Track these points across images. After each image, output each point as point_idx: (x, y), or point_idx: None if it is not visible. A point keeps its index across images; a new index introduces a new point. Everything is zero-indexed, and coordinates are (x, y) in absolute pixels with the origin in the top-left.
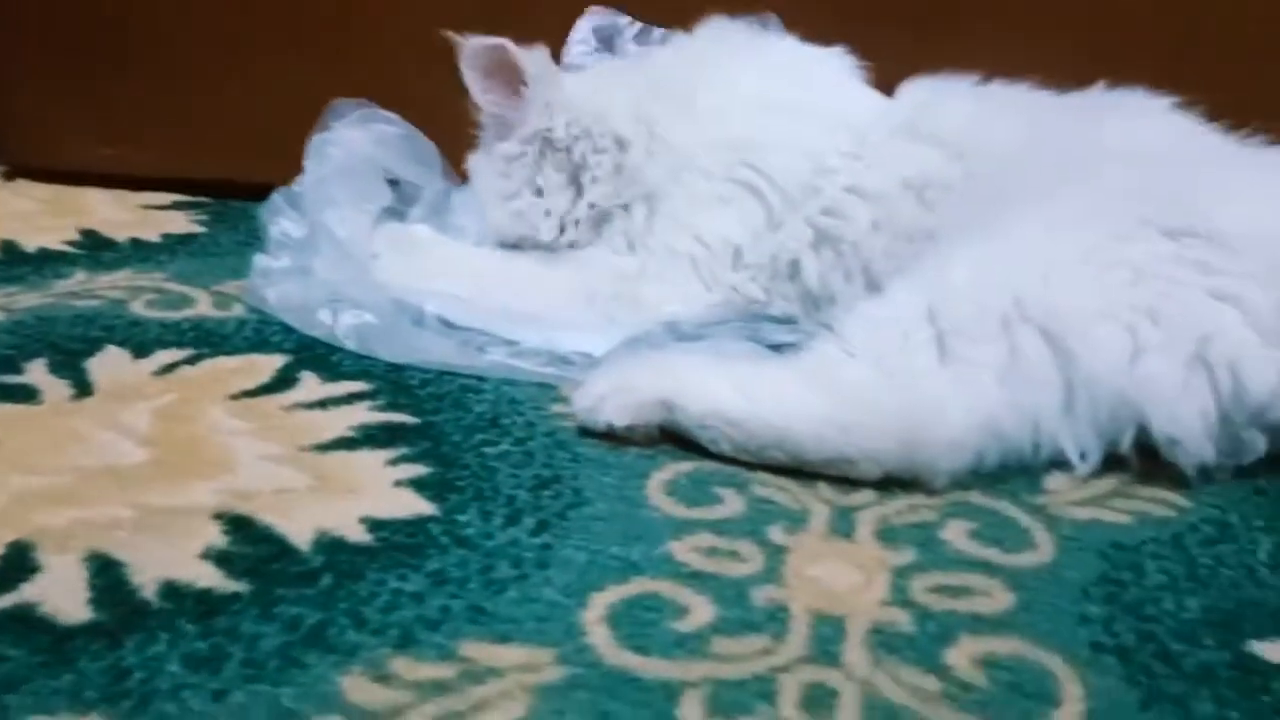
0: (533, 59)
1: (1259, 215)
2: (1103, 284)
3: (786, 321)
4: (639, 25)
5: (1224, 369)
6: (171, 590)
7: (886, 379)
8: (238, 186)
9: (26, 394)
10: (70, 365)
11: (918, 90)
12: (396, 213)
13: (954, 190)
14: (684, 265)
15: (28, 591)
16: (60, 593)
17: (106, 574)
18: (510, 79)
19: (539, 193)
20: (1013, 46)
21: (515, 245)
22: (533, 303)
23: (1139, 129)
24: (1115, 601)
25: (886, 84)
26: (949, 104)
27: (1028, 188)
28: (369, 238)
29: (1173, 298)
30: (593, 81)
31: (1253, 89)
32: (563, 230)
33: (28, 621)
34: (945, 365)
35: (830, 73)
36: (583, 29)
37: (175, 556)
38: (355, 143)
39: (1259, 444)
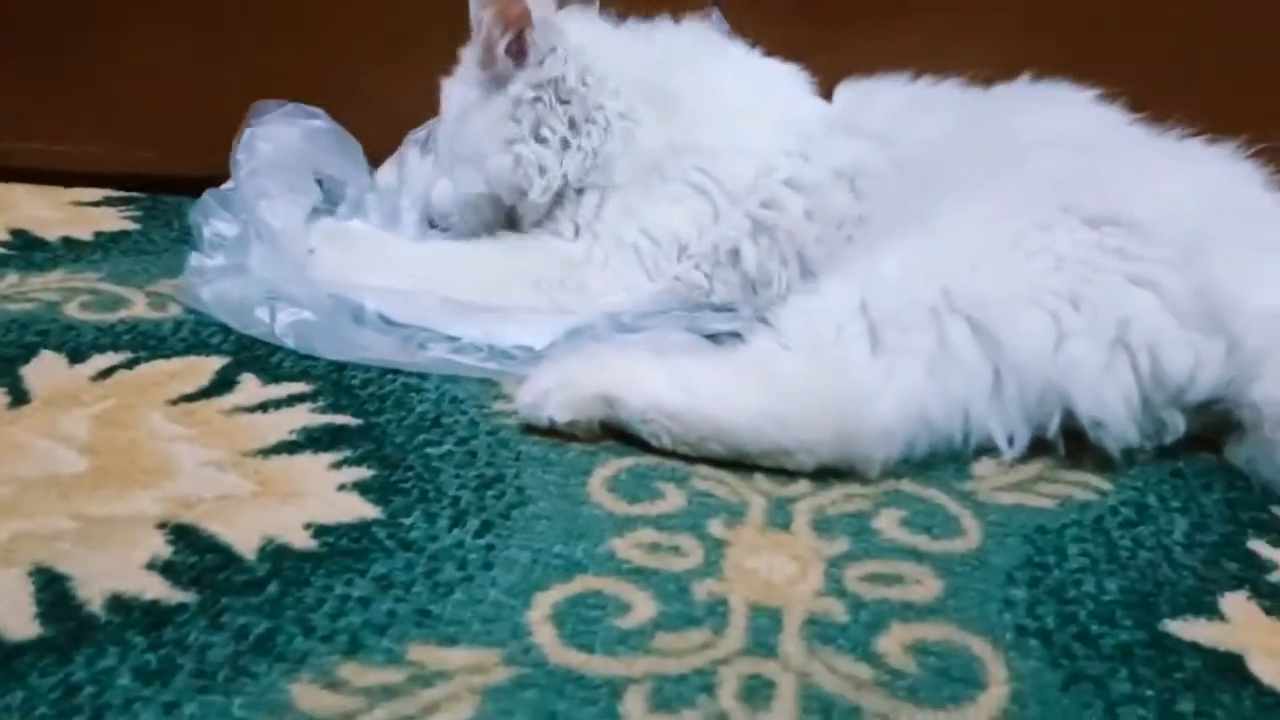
0: (539, 2)
1: (1173, 204)
2: (1026, 272)
3: (725, 309)
4: None
5: (1144, 352)
6: (119, 603)
7: (821, 371)
8: (169, 180)
9: None
10: (6, 372)
11: (851, 89)
12: (324, 211)
13: (883, 178)
14: (629, 255)
15: None
16: (7, 608)
17: (52, 588)
18: (513, 21)
19: (542, 140)
20: (952, 41)
21: (493, 203)
22: (478, 289)
23: (1061, 119)
24: (1038, 585)
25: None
26: (878, 98)
27: (953, 176)
28: (304, 231)
29: (1094, 284)
30: (595, 35)
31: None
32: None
33: None
34: (877, 356)
35: (789, 86)
36: None
37: (121, 568)
38: (285, 137)
39: (1179, 424)
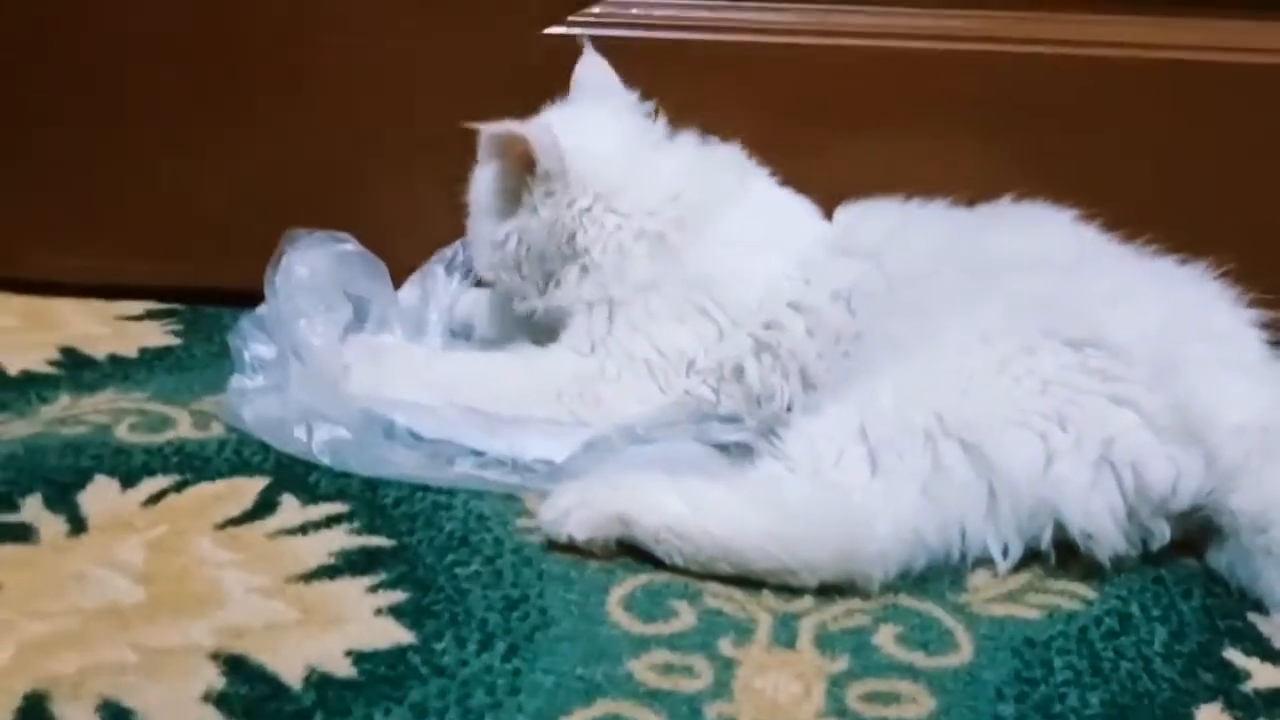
0: (548, 153)
1: (1145, 324)
2: (1014, 395)
3: (732, 420)
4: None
5: (1128, 468)
6: None
7: (822, 495)
8: (208, 291)
9: (25, 533)
10: (63, 499)
11: (849, 211)
12: (354, 329)
13: (876, 297)
14: (641, 369)
15: None
16: None
17: None
18: (523, 160)
19: (523, 274)
20: (929, 155)
21: None
22: (502, 400)
23: (1042, 240)
24: (1026, 700)
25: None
26: (872, 219)
27: (942, 297)
28: (339, 348)
29: (1078, 405)
30: (605, 179)
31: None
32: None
33: None
34: (875, 480)
35: (797, 215)
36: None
37: (180, 699)
38: (318, 261)
39: (1165, 532)
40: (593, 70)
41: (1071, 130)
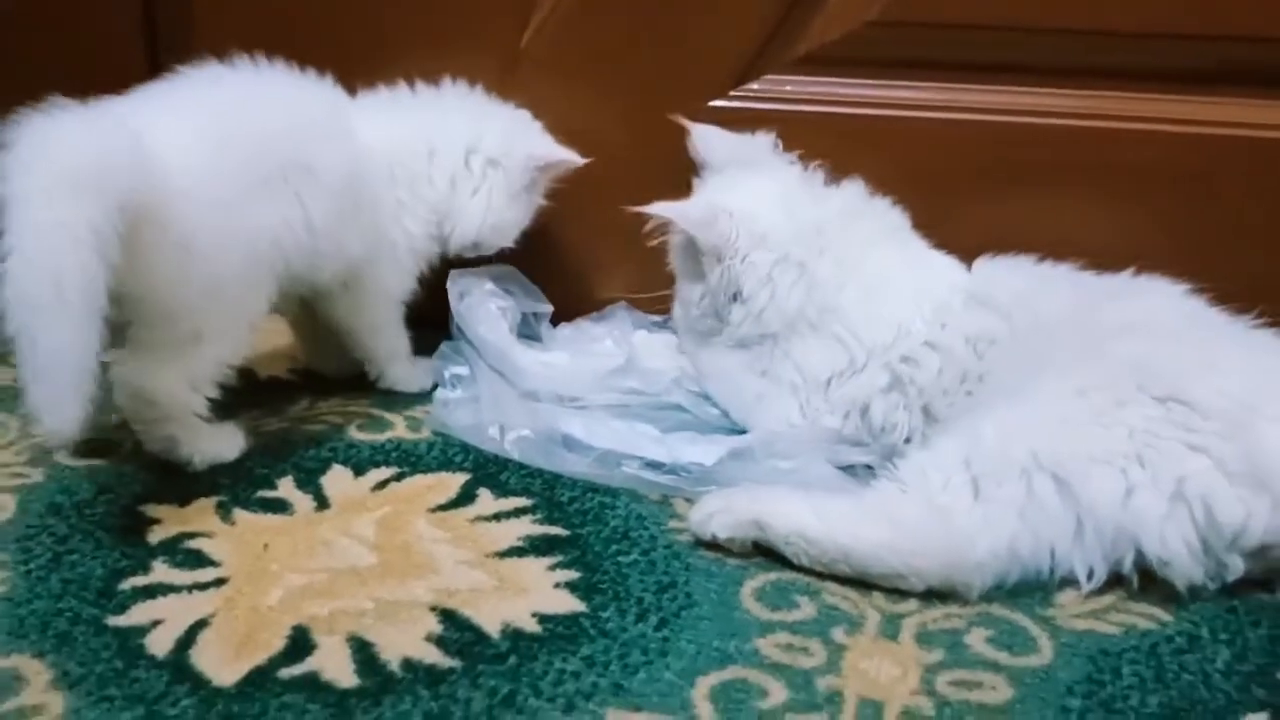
0: (705, 230)
1: (1227, 384)
2: (1102, 439)
3: (858, 444)
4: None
5: (1199, 504)
6: (409, 664)
7: (932, 515)
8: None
9: (282, 506)
10: (310, 482)
11: (986, 265)
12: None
13: (1000, 345)
14: (786, 392)
15: (311, 663)
16: (334, 665)
17: (363, 652)
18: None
19: (715, 319)
20: (1063, 216)
21: None
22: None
23: (1151, 309)
24: (1092, 697)
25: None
26: (1005, 276)
27: (1054, 352)
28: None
29: (1157, 449)
30: (761, 238)
31: None
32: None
33: (316, 685)
34: (977, 504)
35: (937, 266)
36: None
37: (408, 639)
38: (479, 277)
39: (1239, 566)
40: (713, 141)
41: (1193, 203)
